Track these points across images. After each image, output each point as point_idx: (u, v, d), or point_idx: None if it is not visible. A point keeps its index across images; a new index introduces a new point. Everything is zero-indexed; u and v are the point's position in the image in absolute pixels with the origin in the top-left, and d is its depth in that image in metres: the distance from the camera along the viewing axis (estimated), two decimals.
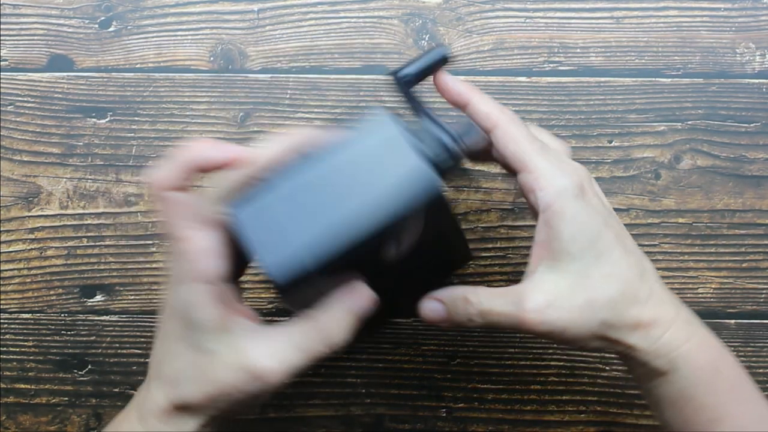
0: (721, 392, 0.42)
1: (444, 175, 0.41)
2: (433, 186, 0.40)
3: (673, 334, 0.42)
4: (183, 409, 0.41)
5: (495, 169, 0.55)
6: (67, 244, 0.55)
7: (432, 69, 0.45)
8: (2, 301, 0.55)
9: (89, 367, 0.55)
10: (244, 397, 0.40)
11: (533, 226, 0.53)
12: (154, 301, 0.55)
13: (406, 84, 0.45)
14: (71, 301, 0.55)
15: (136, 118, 0.55)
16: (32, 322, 0.55)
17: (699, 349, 0.42)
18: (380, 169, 0.40)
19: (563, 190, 0.42)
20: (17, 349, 0.55)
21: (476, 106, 0.45)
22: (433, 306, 0.45)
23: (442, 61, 0.45)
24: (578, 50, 0.55)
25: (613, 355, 0.54)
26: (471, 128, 0.44)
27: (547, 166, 0.42)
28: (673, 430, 0.43)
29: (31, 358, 0.55)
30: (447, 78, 0.45)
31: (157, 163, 0.40)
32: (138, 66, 0.56)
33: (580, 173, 0.43)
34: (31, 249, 0.55)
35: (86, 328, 0.55)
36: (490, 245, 0.55)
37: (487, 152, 0.46)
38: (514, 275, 0.54)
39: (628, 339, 0.42)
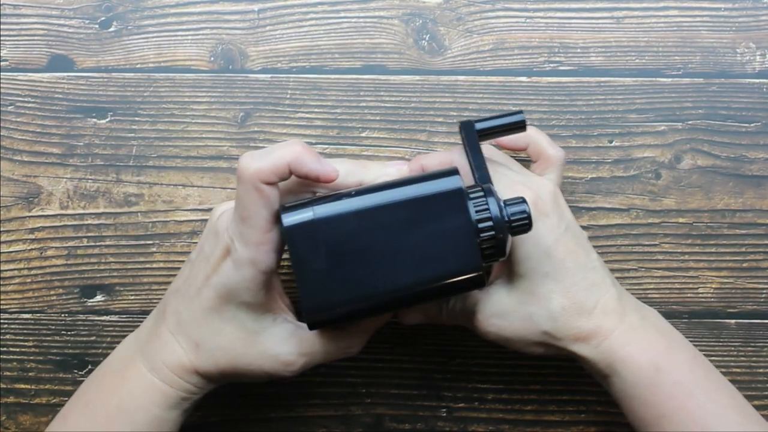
0: (663, 390, 0.44)
1: (487, 259, 0.43)
2: (479, 278, 0.43)
3: (612, 341, 0.45)
4: (205, 375, 0.45)
5: None
6: (67, 244, 0.55)
7: (505, 130, 0.47)
8: (2, 301, 0.55)
9: (89, 367, 0.55)
10: (265, 378, 0.45)
11: None
12: (155, 301, 0.55)
13: (478, 136, 0.46)
14: (71, 301, 0.55)
15: (137, 118, 0.55)
16: (32, 322, 0.55)
17: (640, 352, 0.45)
18: (436, 242, 0.42)
19: None
20: (17, 349, 0.55)
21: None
22: (414, 315, 0.49)
23: (519, 127, 0.47)
24: (578, 50, 0.55)
25: None
26: (519, 203, 0.43)
27: (502, 192, 0.45)
28: (633, 426, 0.46)
29: (32, 358, 0.55)
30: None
31: (257, 153, 0.42)
32: (138, 66, 0.56)
33: (538, 191, 0.45)
34: (32, 249, 0.55)
35: (86, 328, 0.55)
36: None
37: None
38: None
39: (570, 347, 0.46)
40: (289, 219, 0.42)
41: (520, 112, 0.47)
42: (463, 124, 0.46)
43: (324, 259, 0.42)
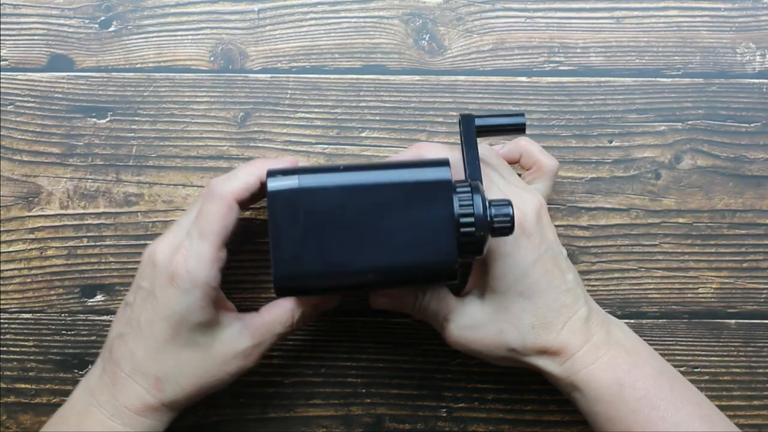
0: (627, 406, 0.45)
1: (463, 254, 0.43)
2: (452, 271, 0.43)
3: (575, 360, 0.46)
4: (171, 405, 0.45)
5: None
6: (67, 244, 0.55)
7: (504, 130, 0.47)
8: (2, 301, 0.55)
9: (89, 367, 0.55)
10: (231, 381, 0.46)
11: None
12: None
13: (476, 131, 0.46)
14: (72, 301, 0.55)
15: (137, 118, 0.55)
16: (32, 322, 0.55)
17: (604, 369, 0.46)
18: (416, 230, 0.43)
19: None
20: (18, 349, 0.55)
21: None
22: (382, 299, 0.49)
23: (519, 129, 0.47)
24: (578, 50, 0.55)
25: None
26: (504, 206, 0.43)
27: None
28: None
29: (32, 358, 0.55)
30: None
31: (226, 175, 0.45)
32: (138, 66, 0.56)
33: (523, 208, 0.45)
34: (32, 249, 0.55)
35: (86, 328, 0.55)
36: None
37: None
38: None
39: (535, 362, 0.46)
40: (275, 183, 0.43)
41: (522, 114, 0.47)
42: (463, 118, 0.46)
43: (302, 229, 0.42)
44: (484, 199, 0.43)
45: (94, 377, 0.47)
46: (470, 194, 0.43)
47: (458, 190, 0.43)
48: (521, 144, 0.51)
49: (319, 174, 0.43)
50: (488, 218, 0.43)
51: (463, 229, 0.42)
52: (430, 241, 0.42)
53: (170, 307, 0.44)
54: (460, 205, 0.42)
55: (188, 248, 0.43)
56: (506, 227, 0.43)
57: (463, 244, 0.43)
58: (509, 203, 0.43)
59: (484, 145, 0.49)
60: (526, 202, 0.46)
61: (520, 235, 0.45)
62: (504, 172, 0.48)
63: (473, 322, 0.47)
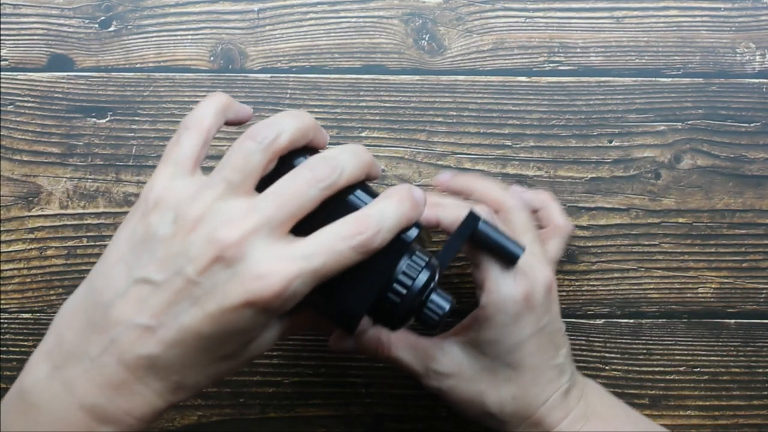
0: None
1: (374, 317, 0.40)
2: (350, 326, 0.39)
3: None
4: (176, 404, 0.39)
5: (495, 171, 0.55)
6: (67, 244, 0.55)
7: (495, 252, 0.43)
8: (2, 301, 0.55)
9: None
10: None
11: None
12: None
13: (471, 233, 0.43)
14: None
15: (136, 118, 0.55)
16: (32, 321, 0.55)
17: None
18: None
19: (502, 301, 0.44)
20: (17, 349, 0.55)
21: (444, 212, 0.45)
22: (345, 342, 0.47)
23: (510, 260, 0.43)
24: (578, 50, 0.55)
25: (612, 355, 0.54)
26: (445, 300, 0.41)
27: (498, 273, 0.44)
28: None
29: None
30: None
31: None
32: (138, 66, 0.56)
33: (534, 283, 0.44)
34: (31, 249, 0.55)
35: None
36: None
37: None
38: None
39: (506, 429, 0.45)
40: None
41: (523, 249, 0.43)
42: (471, 215, 0.43)
43: None
44: (430, 282, 0.39)
45: (72, 369, 0.37)
46: (420, 268, 0.39)
47: (414, 257, 0.39)
48: (544, 198, 0.50)
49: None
50: (421, 300, 0.39)
51: (388, 294, 0.38)
52: (352, 283, 0.37)
53: (238, 330, 0.36)
54: (402, 272, 0.38)
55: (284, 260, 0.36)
56: (433, 320, 0.40)
57: (378, 309, 0.38)
58: (451, 301, 0.40)
59: (517, 195, 0.49)
60: (538, 276, 0.44)
61: (523, 308, 0.43)
62: (528, 237, 0.46)
63: (454, 371, 0.45)
